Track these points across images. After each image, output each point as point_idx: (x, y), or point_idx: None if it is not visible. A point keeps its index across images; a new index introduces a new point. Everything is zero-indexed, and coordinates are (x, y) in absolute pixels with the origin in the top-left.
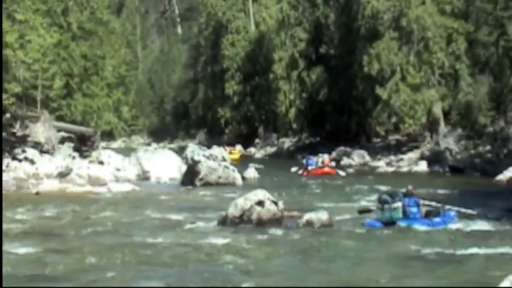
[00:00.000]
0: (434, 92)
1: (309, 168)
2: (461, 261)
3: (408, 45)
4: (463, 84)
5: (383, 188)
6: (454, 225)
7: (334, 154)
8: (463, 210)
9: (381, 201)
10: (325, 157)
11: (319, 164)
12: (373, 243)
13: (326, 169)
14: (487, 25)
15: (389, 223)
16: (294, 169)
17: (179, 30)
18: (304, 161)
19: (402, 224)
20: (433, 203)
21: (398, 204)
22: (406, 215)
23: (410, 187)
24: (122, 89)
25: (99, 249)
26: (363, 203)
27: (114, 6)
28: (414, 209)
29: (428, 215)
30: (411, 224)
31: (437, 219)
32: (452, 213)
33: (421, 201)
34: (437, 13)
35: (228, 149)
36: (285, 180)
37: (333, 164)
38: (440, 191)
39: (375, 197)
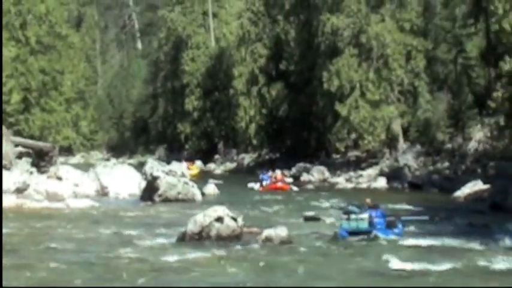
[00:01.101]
0: (394, 108)
1: (264, 183)
2: (419, 276)
3: (368, 62)
4: (421, 101)
5: (342, 204)
6: (414, 241)
7: (293, 170)
8: (417, 218)
9: (348, 212)
10: (278, 172)
11: (273, 179)
12: (332, 259)
13: (279, 184)
14: (446, 43)
15: (355, 233)
16: (250, 185)
17: (139, 45)
18: (260, 176)
19: (379, 234)
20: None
21: (365, 215)
22: (372, 226)
23: (368, 200)
24: (81, 104)
25: (57, 266)
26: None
27: (73, 20)
28: (380, 220)
29: (389, 226)
30: (381, 233)
31: (397, 230)
32: (401, 226)
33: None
34: (397, 30)
35: (186, 164)
36: (245, 196)
37: (289, 179)
38: (400, 207)
39: (333, 212)
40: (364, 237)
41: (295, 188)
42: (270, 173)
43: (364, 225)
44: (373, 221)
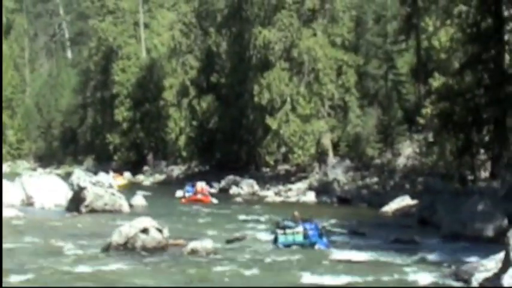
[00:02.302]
0: (324, 123)
1: (187, 195)
2: None
3: (299, 76)
4: (352, 116)
5: (269, 216)
6: (340, 255)
7: (223, 183)
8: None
9: (283, 227)
10: (199, 184)
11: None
12: (254, 272)
13: (199, 196)
14: (377, 58)
15: (291, 245)
16: (178, 193)
17: (69, 54)
18: (185, 187)
19: (319, 245)
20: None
21: (300, 228)
22: (307, 238)
23: (296, 213)
24: (8, 113)
25: None
26: (249, 231)
27: (2, 27)
28: (314, 232)
29: (320, 237)
30: (320, 244)
31: (325, 240)
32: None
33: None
34: (328, 45)
35: (113, 175)
36: (173, 208)
37: (210, 190)
38: (328, 221)
39: (261, 226)
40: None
41: (215, 201)
42: (196, 185)
43: (300, 238)
44: (307, 233)
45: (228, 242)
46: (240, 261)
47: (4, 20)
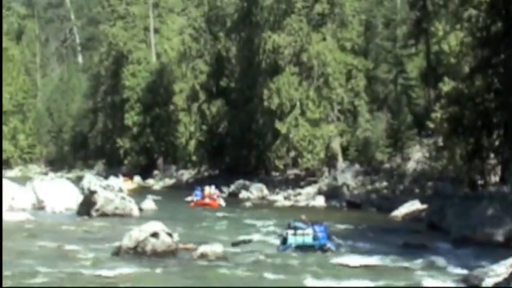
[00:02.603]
0: (333, 127)
1: (195, 199)
2: None
3: (308, 81)
4: (361, 120)
5: (278, 221)
6: (348, 259)
7: (232, 187)
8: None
9: (294, 228)
10: (207, 189)
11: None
12: (265, 275)
13: (207, 200)
14: (386, 63)
15: (301, 246)
16: (188, 198)
17: (80, 59)
18: (194, 192)
19: (329, 245)
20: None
21: (310, 230)
22: (316, 240)
23: (303, 216)
24: (20, 117)
25: None
26: (257, 236)
27: (13, 33)
28: (323, 234)
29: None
30: (328, 245)
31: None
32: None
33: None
34: (338, 49)
35: (123, 179)
36: (182, 212)
37: (219, 195)
38: (338, 225)
39: (270, 229)
40: (322, 249)
41: (222, 203)
42: (206, 189)
43: (309, 239)
44: (317, 235)
45: (234, 244)
46: (250, 264)
47: (16, 25)
